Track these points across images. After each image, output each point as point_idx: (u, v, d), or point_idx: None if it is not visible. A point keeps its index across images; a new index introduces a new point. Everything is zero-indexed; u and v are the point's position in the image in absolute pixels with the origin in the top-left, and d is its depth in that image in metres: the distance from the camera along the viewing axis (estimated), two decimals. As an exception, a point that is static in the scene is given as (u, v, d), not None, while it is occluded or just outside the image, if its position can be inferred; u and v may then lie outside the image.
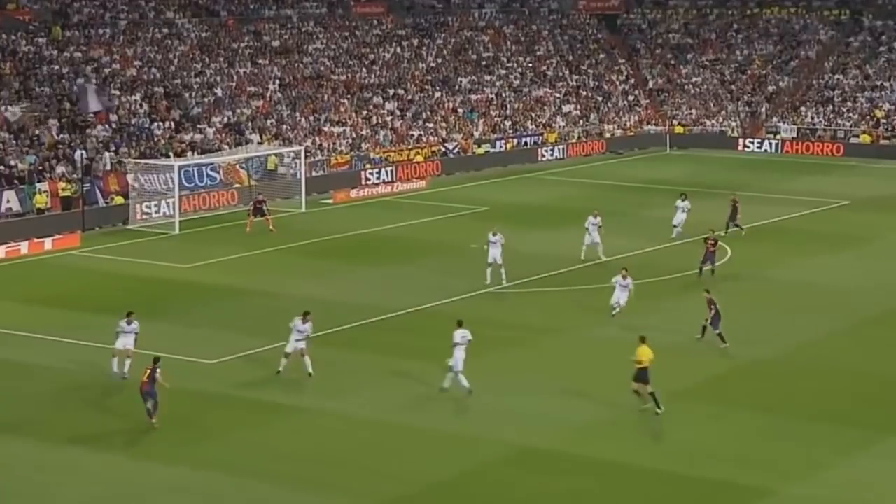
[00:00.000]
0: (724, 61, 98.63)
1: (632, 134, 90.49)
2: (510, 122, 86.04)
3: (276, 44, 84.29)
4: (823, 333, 41.82)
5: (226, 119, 73.79)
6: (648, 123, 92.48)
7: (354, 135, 77.39)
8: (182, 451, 31.09)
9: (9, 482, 29.31)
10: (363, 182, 71.88)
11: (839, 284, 48.77)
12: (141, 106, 71.36)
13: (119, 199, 62.31)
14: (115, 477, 29.69)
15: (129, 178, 62.79)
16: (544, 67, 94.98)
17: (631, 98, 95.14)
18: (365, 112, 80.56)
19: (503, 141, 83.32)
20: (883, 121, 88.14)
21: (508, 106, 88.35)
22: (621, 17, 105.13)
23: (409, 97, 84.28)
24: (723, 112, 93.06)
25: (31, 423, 33.31)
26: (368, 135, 78.08)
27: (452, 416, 33.94)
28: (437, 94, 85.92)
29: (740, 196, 59.98)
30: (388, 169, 73.93)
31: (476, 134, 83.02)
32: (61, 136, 65.51)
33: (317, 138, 75.23)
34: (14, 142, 63.47)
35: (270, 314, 40.42)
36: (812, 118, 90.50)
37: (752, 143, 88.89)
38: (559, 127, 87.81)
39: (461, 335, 34.95)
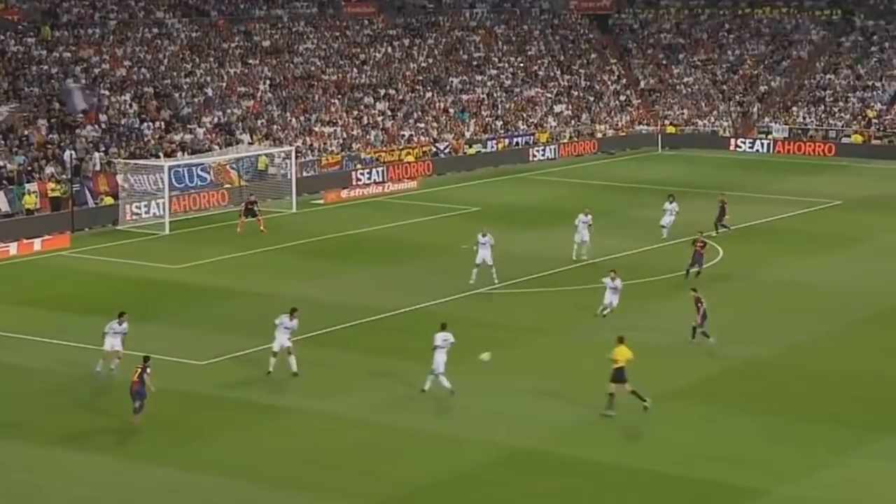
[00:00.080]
0: (715, 61, 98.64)
1: (623, 134, 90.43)
2: (501, 123, 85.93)
3: (266, 44, 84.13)
4: (816, 334, 41.75)
5: (216, 119, 73.61)
6: (640, 123, 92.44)
7: (345, 135, 77.24)
8: (172, 452, 30.96)
9: (-3, 484, 29.20)
10: (354, 182, 71.73)
11: (831, 285, 48.72)
12: (131, 106, 71.16)
13: (109, 200, 62.10)
14: (105, 477, 29.57)
15: (119, 178, 62.61)
16: (535, 67, 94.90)
17: (622, 98, 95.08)
18: (356, 112, 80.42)
19: (494, 141, 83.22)
20: (874, 121, 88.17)
21: (500, 106, 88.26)
22: (613, 16, 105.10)
23: (400, 97, 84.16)
24: (714, 112, 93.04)
25: (21, 424, 33.15)
26: (359, 135, 77.94)
27: (444, 417, 33.82)
28: (428, 95, 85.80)
29: (731, 196, 59.93)
30: (379, 169, 73.79)
31: (467, 134, 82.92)
32: (50, 136, 65.29)
33: (307, 138, 75.07)
34: (3, 142, 63.25)
35: (261, 315, 40.25)
36: (804, 118, 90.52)
37: (744, 143, 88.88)
38: (550, 127, 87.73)
39: (442, 338, 34.87)
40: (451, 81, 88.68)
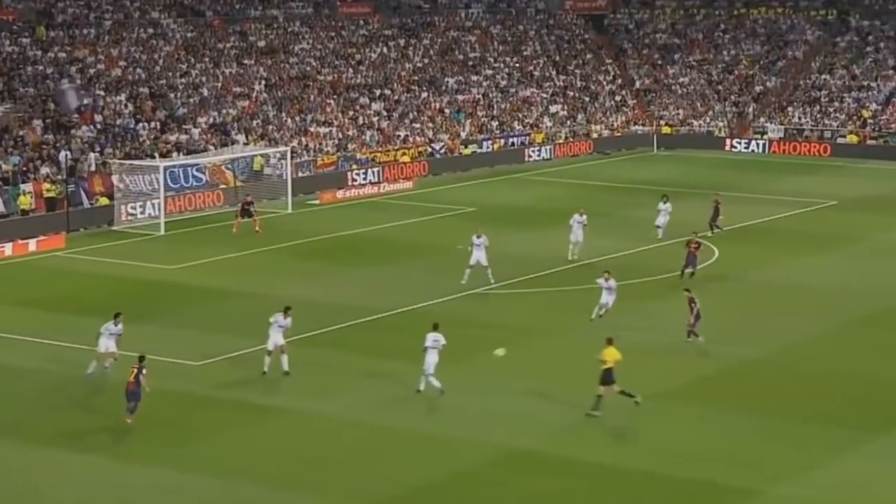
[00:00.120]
0: (711, 61, 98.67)
1: (619, 134, 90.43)
2: (497, 123, 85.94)
3: (261, 44, 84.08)
4: (811, 334, 41.77)
5: (211, 119, 73.56)
6: (635, 124, 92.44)
7: (341, 135, 77.22)
8: (168, 453, 30.94)
9: (-7, 484, 29.18)
10: (350, 183, 71.70)
11: (827, 285, 48.74)
12: (126, 106, 71.10)
13: (104, 200, 62.05)
14: (102, 478, 29.54)
15: (114, 178, 62.56)
16: (531, 68, 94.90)
17: (618, 98, 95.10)
18: (351, 112, 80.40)
19: (490, 141, 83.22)
20: (870, 121, 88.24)
21: (495, 106, 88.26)
22: (608, 17, 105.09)
23: (396, 97, 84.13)
24: (710, 112, 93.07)
25: (17, 424, 33.12)
26: (355, 135, 77.92)
27: (440, 417, 33.80)
28: (424, 95, 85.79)
29: (727, 197, 59.92)
30: (375, 169, 73.77)
31: (463, 134, 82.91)
32: (45, 136, 65.22)
33: (303, 139, 75.04)
34: (-2, 142, 63.22)
35: (256, 315, 40.20)
36: (799, 118, 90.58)
37: (740, 143, 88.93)
38: (546, 127, 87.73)
39: (433, 338, 34.90)
40: (447, 82, 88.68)
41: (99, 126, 68.17)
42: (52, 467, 30.18)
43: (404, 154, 77.41)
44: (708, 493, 28.97)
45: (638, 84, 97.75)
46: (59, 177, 61.23)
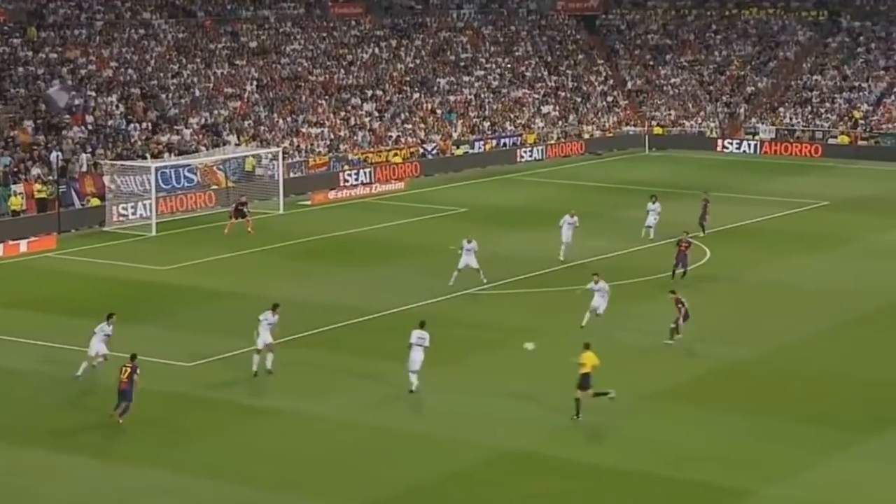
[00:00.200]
0: (702, 62, 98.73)
1: (611, 135, 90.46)
2: (489, 123, 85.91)
3: (253, 44, 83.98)
4: (804, 334, 41.78)
5: (203, 120, 73.45)
6: (627, 124, 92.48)
7: (332, 136, 77.14)
8: (161, 454, 30.87)
9: (-16, 486, 29.08)
10: (341, 183, 71.64)
11: (819, 285, 48.77)
12: (117, 107, 70.97)
13: (95, 201, 61.93)
14: (94, 479, 29.48)
15: (106, 179, 62.42)
16: (523, 68, 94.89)
17: (610, 99, 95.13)
18: (343, 113, 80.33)
19: (482, 142, 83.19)
20: (861, 121, 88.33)
21: (487, 107, 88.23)
22: (600, 17, 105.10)
23: (388, 98, 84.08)
24: (701, 113, 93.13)
25: (8, 426, 33.03)
26: (347, 136, 77.85)
27: (434, 417, 33.77)
28: (416, 95, 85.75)
29: (718, 197, 59.96)
30: (367, 170, 73.72)
31: (455, 135, 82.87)
32: (37, 137, 65.08)
33: (295, 139, 74.96)
34: (-11, 143, 63.08)
35: (248, 316, 40.09)
36: (790, 119, 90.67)
37: (731, 143, 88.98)
38: (538, 128, 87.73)
39: (418, 336, 35.04)
40: (439, 82, 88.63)
41: (90, 127, 68.04)
42: (43, 468, 30.09)
43: (396, 155, 77.36)
44: (702, 494, 28.96)
45: (630, 85, 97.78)
46: (51, 177, 61.11)
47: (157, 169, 62.51)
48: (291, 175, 70.26)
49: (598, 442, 32.08)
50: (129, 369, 32.57)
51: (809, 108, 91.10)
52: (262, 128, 74.94)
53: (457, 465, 30.45)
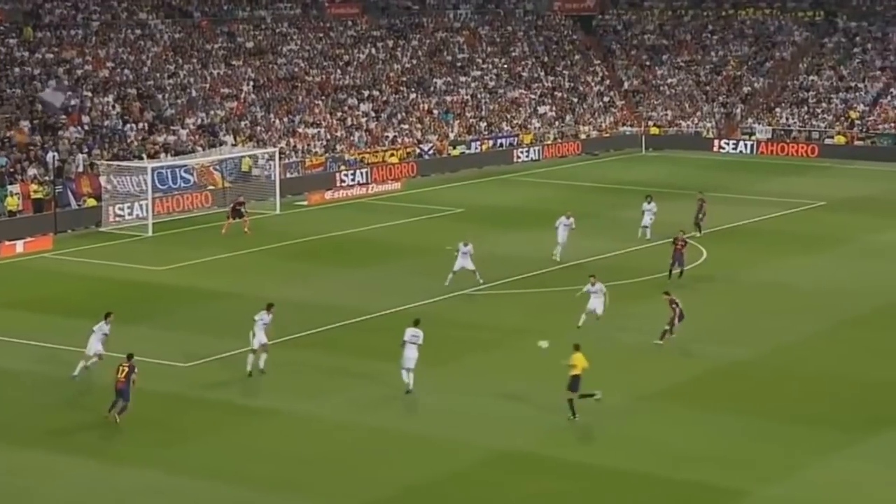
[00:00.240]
0: (699, 62, 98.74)
1: (607, 135, 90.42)
2: (485, 124, 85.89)
3: (249, 45, 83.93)
4: (800, 335, 41.78)
5: (199, 120, 73.39)
6: (624, 125, 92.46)
7: (329, 136, 77.11)
8: (157, 454, 30.86)
9: (-20, 487, 29.05)
10: (338, 184, 71.60)
11: (815, 286, 48.77)
12: (114, 107, 70.91)
13: (92, 202, 61.87)
14: (91, 479, 29.46)
15: (102, 180, 62.38)
16: (519, 69, 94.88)
17: (606, 99, 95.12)
18: (339, 113, 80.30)
19: (478, 142, 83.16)
20: (857, 122, 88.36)
21: (483, 107, 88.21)
22: (596, 18, 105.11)
23: (384, 98, 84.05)
24: (698, 113, 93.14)
25: (4, 426, 32.98)
26: (343, 136, 77.82)
27: (429, 418, 33.75)
28: (412, 96, 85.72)
29: (714, 197, 59.96)
30: (363, 170, 73.69)
31: (451, 135, 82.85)
32: (33, 137, 65.01)
33: (291, 140, 74.91)
34: (-15, 143, 63.02)
35: (245, 316, 40.04)
36: (787, 119, 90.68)
37: (728, 144, 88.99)
38: (534, 128, 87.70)
39: (412, 334, 35.14)
40: (435, 82, 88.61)
41: (86, 127, 67.97)
42: (40, 469, 30.06)
43: (393, 155, 77.33)
44: (698, 494, 28.96)
45: (626, 85, 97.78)
46: (47, 178, 61.05)
47: (153, 169, 62.44)
48: (288, 175, 70.21)
49: (595, 442, 32.07)
50: (126, 369, 32.60)
51: (806, 108, 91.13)
52: (258, 128, 74.90)
53: (454, 465, 30.43)
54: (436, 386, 35.49)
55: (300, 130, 76.49)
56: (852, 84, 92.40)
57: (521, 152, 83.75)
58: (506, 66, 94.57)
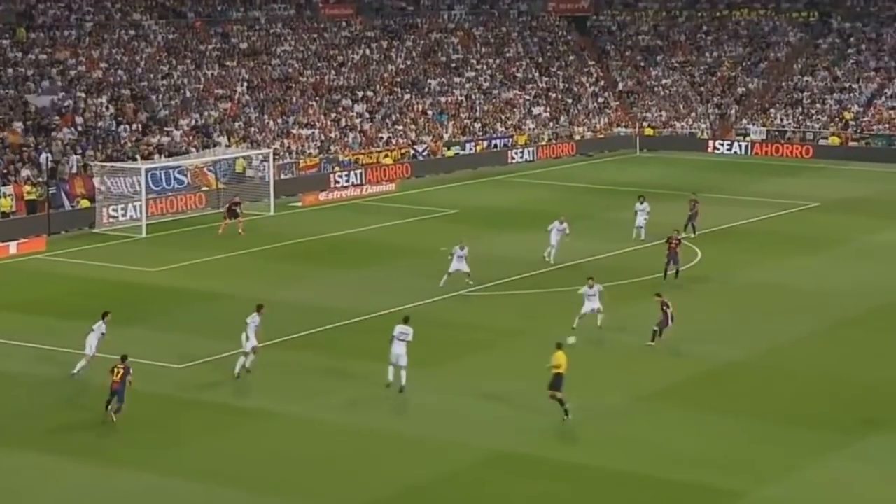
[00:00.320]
0: (693, 63, 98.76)
1: (602, 136, 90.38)
2: (480, 125, 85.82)
3: (243, 46, 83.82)
4: (797, 336, 41.74)
5: (193, 121, 73.28)
6: (618, 125, 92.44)
7: (323, 137, 77.01)
8: (151, 456, 30.76)
9: (-27, 489, 28.94)
10: (332, 185, 71.51)
11: (811, 286, 48.74)
12: (107, 108, 70.78)
13: (85, 203, 61.71)
14: (85, 482, 29.38)
15: (96, 181, 62.23)
16: (514, 69, 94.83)
17: (601, 100, 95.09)
18: (334, 114, 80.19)
19: (473, 143, 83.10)
20: (852, 123, 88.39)
21: (478, 108, 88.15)
22: (591, 18, 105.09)
23: (379, 99, 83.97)
24: (692, 114, 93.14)
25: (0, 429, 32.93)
26: (337, 137, 77.72)
27: (425, 419, 33.67)
28: (407, 97, 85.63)
29: (708, 198, 59.94)
30: (358, 171, 73.60)
31: (446, 136, 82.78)
32: (26, 138, 64.87)
33: (285, 141, 74.80)
34: (-22, 144, 62.85)
35: (238, 318, 39.93)
36: (781, 120, 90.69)
37: (722, 144, 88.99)
38: (529, 129, 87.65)
39: (401, 330, 35.20)
40: (430, 83, 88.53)
41: (80, 128, 67.83)
42: (35, 471, 29.97)
43: (387, 156, 77.24)
44: (695, 495, 28.90)
45: (621, 86, 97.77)
46: (40, 179, 60.91)
47: (147, 170, 62.34)
48: (282, 176, 70.10)
49: (592, 443, 31.99)
50: (121, 370, 32.49)
51: (800, 109, 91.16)
52: (252, 129, 74.78)
53: (449, 466, 30.36)
54: (431, 387, 35.42)
55: (294, 131, 76.38)
56: (846, 85, 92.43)
57: (516, 153, 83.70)
58: (500, 66, 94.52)
